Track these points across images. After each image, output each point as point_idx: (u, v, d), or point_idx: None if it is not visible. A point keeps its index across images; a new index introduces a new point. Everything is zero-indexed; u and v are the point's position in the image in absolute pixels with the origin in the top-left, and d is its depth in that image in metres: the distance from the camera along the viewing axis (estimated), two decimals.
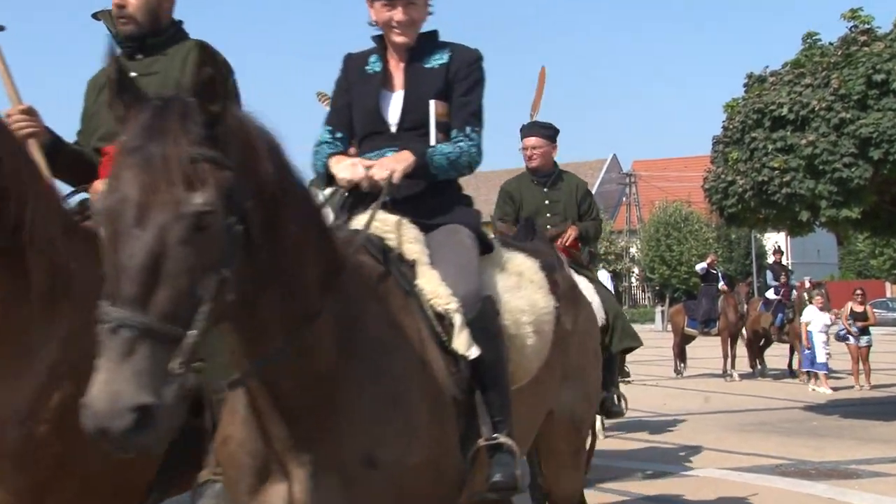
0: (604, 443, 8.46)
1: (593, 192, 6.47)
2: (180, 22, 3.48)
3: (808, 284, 16.19)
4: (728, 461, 8.02)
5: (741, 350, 16.53)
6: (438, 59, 3.11)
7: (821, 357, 14.08)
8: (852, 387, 14.24)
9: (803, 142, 9.90)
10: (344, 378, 2.30)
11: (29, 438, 2.50)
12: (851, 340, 14.62)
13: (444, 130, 3.06)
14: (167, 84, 2.98)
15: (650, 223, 45.27)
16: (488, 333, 2.74)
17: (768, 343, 16.80)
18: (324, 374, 2.26)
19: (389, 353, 2.42)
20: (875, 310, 17.21)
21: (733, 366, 15.94)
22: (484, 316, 2.75)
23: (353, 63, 3.21)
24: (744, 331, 16.51)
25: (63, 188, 3.11)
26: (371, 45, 3.20)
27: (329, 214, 2.69)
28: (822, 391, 13.73)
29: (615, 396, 5.91)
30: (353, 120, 3.15)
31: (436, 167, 2.95)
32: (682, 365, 16.51)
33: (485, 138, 3.12)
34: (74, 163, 3.30)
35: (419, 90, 3.06)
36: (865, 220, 10.79)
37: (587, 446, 4.00)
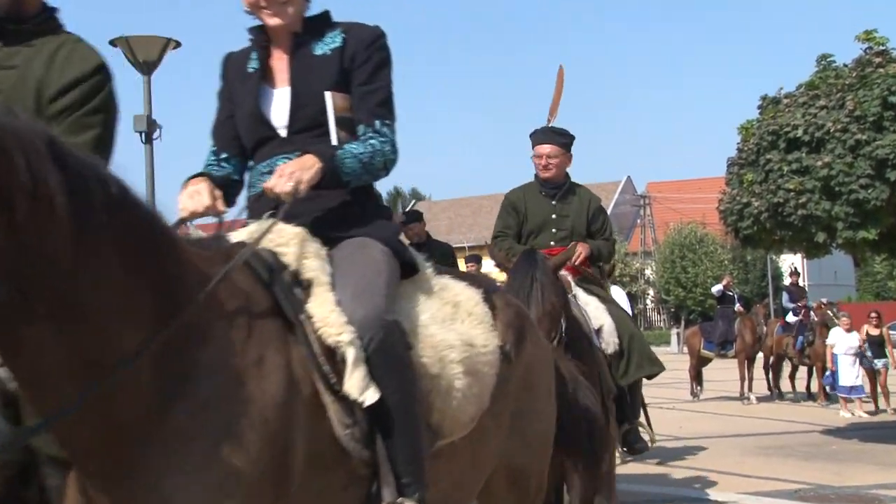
0: (619, 468, 8.36)
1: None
2: (55, 9, 2.72)
3: (824, 304, 16.04)
4: (747, 486, 7.92)
5: (758, 372, 16.37)
6: (330, 44, 2.58)
7: (848, 380, 13.66)
8: (874, 411, 13.98)
9: (819, 163, 9.87)
10: (159, 439, 1.83)
11: None
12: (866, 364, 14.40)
13: (348, 127, 2.54)
14: (26, 82, 2.48)
15: (665, 245, 45.16)
16: (392, 369, 2.22)
17: (793, 367, 16.54)
18: (131, 433, 1.82)
19: (232, 404, 1.90)
20: (893, 332, 16.97)
21: (750, 388, 15.79)
22: (386, 347, 2.22)
23: (233, 64, 2.70)
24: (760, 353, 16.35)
25: None
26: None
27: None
28: (860, 415, 13.38)
29: (637, 430, 5.42)
30: (238, 130, 2.65)
31: (347, 172, 2.45)
32: (699, 388, 16.35)
33: (397, 134, 2.59)
34: None
35: (309, 83, 2.54)
36: (883, 241, 10.71)
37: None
